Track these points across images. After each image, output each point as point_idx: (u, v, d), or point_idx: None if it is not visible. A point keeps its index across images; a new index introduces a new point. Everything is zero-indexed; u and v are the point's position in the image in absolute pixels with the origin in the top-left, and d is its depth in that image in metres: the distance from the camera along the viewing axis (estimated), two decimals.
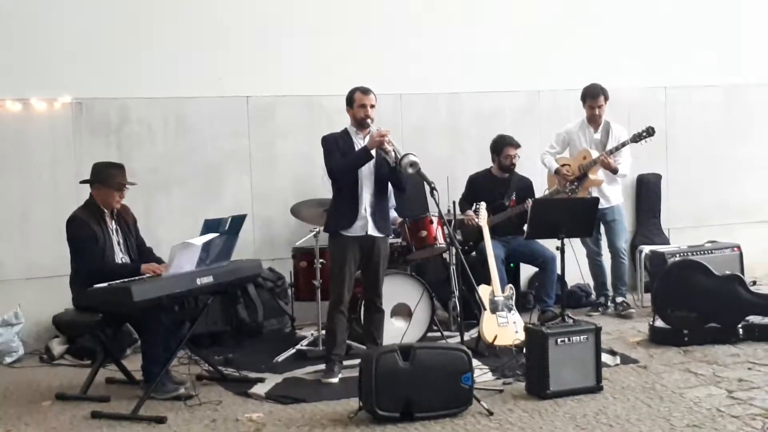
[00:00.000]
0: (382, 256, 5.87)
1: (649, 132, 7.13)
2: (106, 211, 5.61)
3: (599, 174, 7.35)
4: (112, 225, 5.63)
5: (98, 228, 5.50)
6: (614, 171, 7.31)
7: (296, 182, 7.63)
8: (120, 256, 5.61)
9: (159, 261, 5.65)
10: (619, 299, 7.53)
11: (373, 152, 5.62)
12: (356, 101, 5.77)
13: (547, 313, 7.03)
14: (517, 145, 7.32)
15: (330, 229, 5.86)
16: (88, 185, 5.66)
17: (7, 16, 7.01)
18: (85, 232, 5.45)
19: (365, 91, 5.77)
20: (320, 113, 7.66)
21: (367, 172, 5.71)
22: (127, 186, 5.64)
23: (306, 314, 7.12)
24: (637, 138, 7.16)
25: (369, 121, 5.74)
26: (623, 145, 7.22)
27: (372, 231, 5.75)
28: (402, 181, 5.73)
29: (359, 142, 5.77)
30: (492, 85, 8.20)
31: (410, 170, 5.42)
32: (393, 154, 5.53)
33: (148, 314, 5.22)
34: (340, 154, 5.71)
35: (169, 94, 7.35)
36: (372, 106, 5.76)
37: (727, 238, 7.90)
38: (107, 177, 5.58)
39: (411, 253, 6.78)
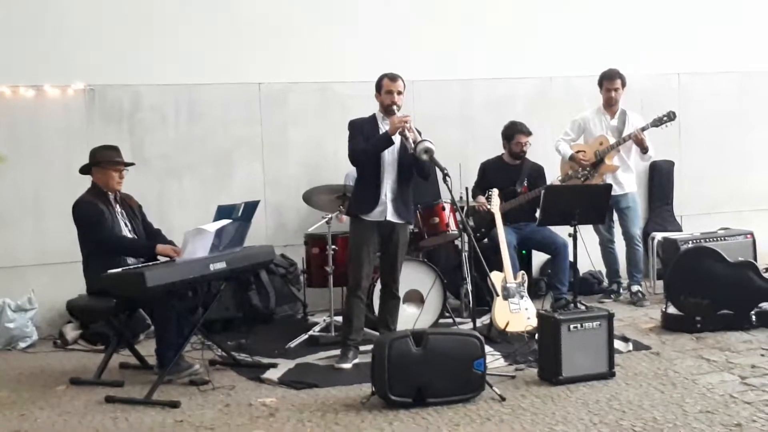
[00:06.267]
0: (401, 243, 5.85)
1: (670, 117, 7.10)
2: (110, 194, 5.67)
3: (615, 160, 7.33)
4: (117, 208, 5.70)
5: (105, 207, 5.58)
6: (645, 149, 7.26)
7: (308, 169, 7.64)
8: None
9: (169, 243, 5.69)
10: (634, 288, 7.48)
11: (396, 138, 5.59)
12: (384, 87, 5.74)
13: (560, 300, 7.02)
14: (528, 133, 7.30)
15: (351, 212, 5.87)
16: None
17: (20, 3, 7.02)
18: (93, 209, 5.53)
19: (393, 78, 5.74)
20: (332, 100, 7.68)
21: (390, 159, 5.69)
22: (126, 167, 5.71)
23: (318, 300, 7.17)
24: (657, 122, 7.14)
25: (395, 108, 5.69)
26: (643, 129, 7.17)
27: (391, 217, 5.73)
28: (425, 169, 5.66)
29: (384, 128, 5.72)
30: (504, 72, 8.16)
31: (424, 156, 5.39)
32: (411, 140, 5.50)
33: (162, 300, 5.25)
34: (363, 139, 5.68)
35: (181, 80, 7.36)
36: (399, 93, 5.72)
37: (740, 225, 7.89)
38: (102, 158, 5.66)
39: (423, 240, 6.78)
